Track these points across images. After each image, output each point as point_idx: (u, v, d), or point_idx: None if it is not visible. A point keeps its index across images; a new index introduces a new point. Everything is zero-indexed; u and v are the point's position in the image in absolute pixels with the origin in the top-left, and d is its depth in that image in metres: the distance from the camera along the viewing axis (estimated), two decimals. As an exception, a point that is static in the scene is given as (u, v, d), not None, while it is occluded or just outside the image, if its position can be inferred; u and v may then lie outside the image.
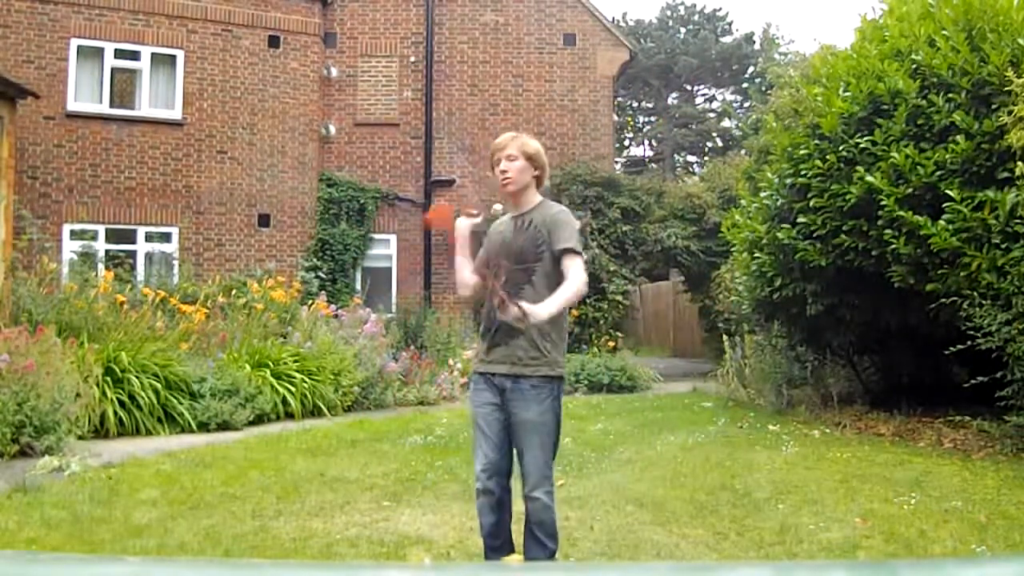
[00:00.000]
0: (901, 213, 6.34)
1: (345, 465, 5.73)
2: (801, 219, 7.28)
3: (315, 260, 12.29)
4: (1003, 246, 5.91)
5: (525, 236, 3.25)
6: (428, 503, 4.74)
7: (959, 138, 6.19)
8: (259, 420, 7.57)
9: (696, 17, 32.27)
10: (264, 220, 12.23)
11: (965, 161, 6.19)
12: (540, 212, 3.28)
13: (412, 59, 13.21)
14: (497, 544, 3.32)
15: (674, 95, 33.37)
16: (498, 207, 3.23)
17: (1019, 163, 5.76)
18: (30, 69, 11.02)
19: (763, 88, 20.86)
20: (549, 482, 3.21)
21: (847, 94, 7.07)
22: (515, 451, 3.27)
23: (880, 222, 6.59)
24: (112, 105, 11.59)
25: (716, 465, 5.82)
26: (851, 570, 0.96)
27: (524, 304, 2.96)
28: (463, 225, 3.39)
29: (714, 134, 32.02)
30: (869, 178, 6.57)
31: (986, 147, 6.13)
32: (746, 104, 28.90)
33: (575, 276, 3.11)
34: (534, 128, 13.14)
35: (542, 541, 3.20)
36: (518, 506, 3.33)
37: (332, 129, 12.96)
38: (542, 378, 3.18)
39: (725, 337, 10.42)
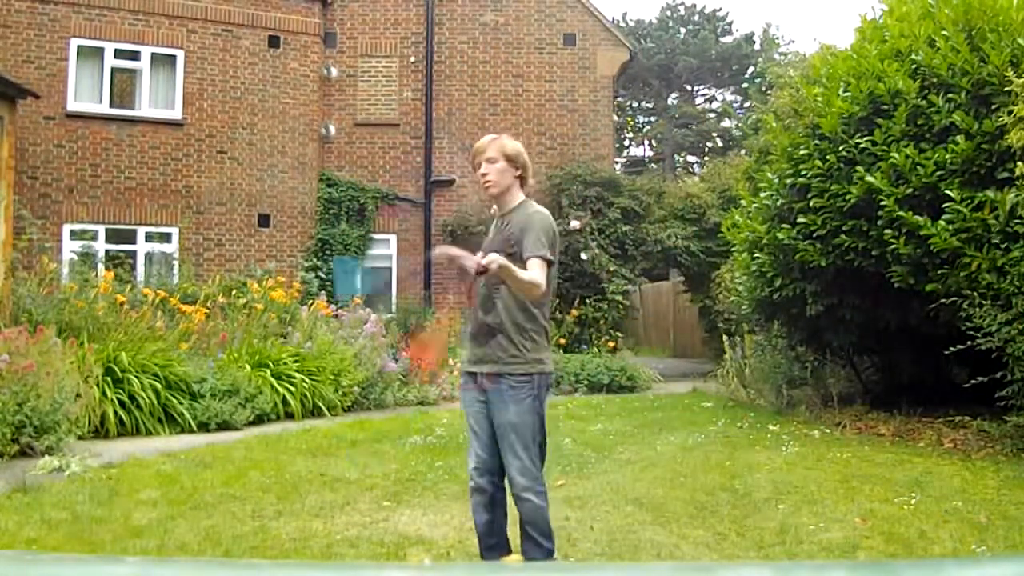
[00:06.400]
0: (901, 213, 6.34)
1: (345, 465, 5.73)
2: (801, 219, 7.28)
3: (315, 260, 12.29)
4: (1003, 246, 5.91)
5: (501, 237, 3.26)
6: (428, 503, 4.74)
7: (959, 138, 6.19)
8: (259, 420, 7.58)
9: (696, 17, 32.27)
10: (264, 220, 12.23)
11: (965, 161, 6.19)
12: (519, 213, 3.27)
13: (412, 59, 13.21)
14: (492, 543, 3.32)
15: (674, 95, 33.36)
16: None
17: (1019, 163, 5.76)
18: (30, 69, 11.02)
19: (763, 88, 20.85)
20: (539, 482, 3.21)
21: (847, 94, 7.07)
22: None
23: (880, 222, 6.59)
24: (112, 105, 11.59)
25: (716, 465, 5.82)
26: (851, 570, 0.96)
27: (489, 261, 2.95)
28: (453, 251, 3.23)
29: (714, 134, 32.01)
30: (869, 178, 6.57)
31: (986, 147, 6.13)
32: (746, 104, 28.88)
33: (532, 273, 3.08)
34: (534, 128, 13.16)
35: (537, 541, 3.20)
36: (514, 507, 3.33)
37: (332, 129, 12.96)
38: (521, 376, 3.17)
39: (725, 337, 10.41)
